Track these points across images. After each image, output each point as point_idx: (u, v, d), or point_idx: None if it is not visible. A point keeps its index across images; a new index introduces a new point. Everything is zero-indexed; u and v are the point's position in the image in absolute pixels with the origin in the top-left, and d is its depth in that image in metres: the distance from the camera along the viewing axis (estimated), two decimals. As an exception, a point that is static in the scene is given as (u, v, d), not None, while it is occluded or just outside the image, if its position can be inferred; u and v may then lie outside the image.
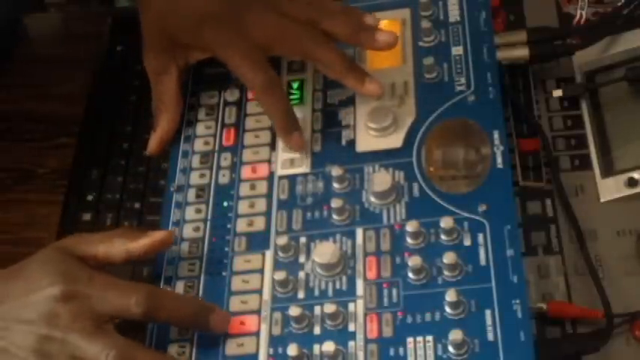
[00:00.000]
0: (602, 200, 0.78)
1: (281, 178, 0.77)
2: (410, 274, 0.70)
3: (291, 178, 0.77)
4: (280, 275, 0.71)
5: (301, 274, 0.72)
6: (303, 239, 0.73)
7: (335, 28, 0.78)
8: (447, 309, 0.67)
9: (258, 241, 0.74)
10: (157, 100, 0.82)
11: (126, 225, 0.74)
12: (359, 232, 0.73)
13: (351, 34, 0.78)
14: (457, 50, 0.81)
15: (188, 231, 0.76)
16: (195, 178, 0.79)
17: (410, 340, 0.67)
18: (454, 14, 0.83)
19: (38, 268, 0.68)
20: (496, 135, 0.75)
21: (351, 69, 0.78)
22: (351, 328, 0.69)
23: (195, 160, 0.80)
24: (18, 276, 0.68)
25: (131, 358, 0.65)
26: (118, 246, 0.70)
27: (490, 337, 0.66)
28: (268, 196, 0.77)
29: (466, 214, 0.72)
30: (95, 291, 0.66)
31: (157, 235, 0.72)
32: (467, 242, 0.70)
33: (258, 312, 0.71)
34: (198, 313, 0.69)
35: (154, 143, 0.82)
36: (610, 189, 0.78)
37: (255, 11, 0.78)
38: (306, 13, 0.78)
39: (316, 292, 0.71)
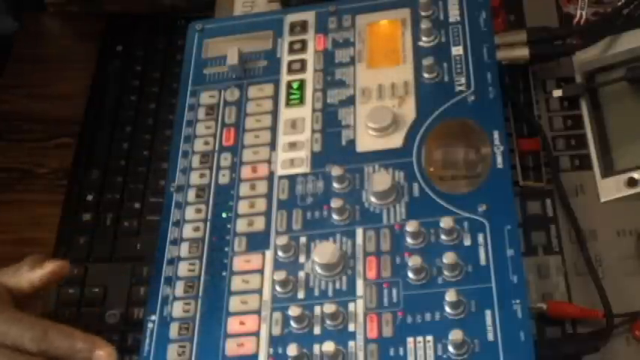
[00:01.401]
0: (602, 200, 0.78)
1: (281, 178, 0.77)
2: (410, 274, 0.70)
3: (291, 178, 0.77)
4: (280, 275, 0.71)
5: (301, 274, 0.72)
6: (303, 239, 0.73)
7: None
8: (447, 309, 0.67)
9: (258, 241, 0.74)
10: None
11: (34, 255, 0.74)
12: (359, 232, 0.73)
13: None
14: (457, 50, 0.81)
15: (188, 231, 0.76)
16: (195, 178, 0.79)
17: (410, 340, 0.67)
18: (454, 14, 0.83)
19: None
20: (496, 135, 0.75)
21: None
22: (351, 328, 0.69)
23: (195, 160, 0.80)
24: None
25: None
26: (25, 278, 0.71)
27: (490, 337, 0.66)
28: (268, 196, 0.77)
29: (466, 214, 0.72)
30: (2, 327, 0.68)
31: (47, 267, 0.72)
32: (467, 242, 0.70)
33: (258, 312, 0.71)
34: (83, 350, 0.69)
35: None
36: (610, 189, 0.78)
37: None
38: None
39: (316, 292, 0.71)
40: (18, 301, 0.71)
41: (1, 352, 0.68)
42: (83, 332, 0.71)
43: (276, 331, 0.69)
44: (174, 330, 0.71)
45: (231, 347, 0.70)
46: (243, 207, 0.76)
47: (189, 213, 0.77)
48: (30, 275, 0.71)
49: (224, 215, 0.76)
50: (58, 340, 0.69)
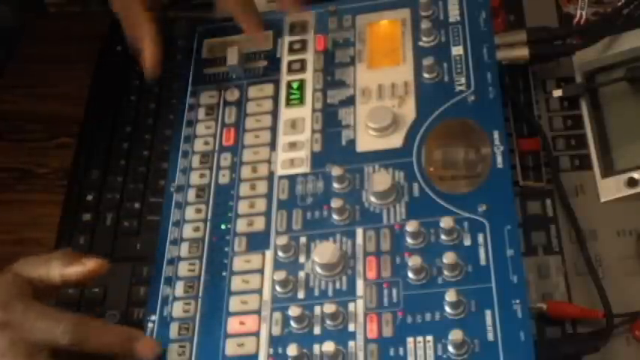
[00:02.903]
0: (602, 200, 0.78)
1: (281, 178, 0.77)
2: (410, 274, 0.70)
3: (291, 178, 0.77)
4: (280, 275, 0.71)
5: (301, 274, 0.72)
6: (303, 239, 0.73)
7: None
8: (447, 309, 0.67)
9: (258, 241, 0.74)
10: (131, 28, 0.81)
11: (64, 250, 0.74)
12: (359, 232, 0.73)
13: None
14: (457, 50, 0.81)
15: (188, 231, 0.76)
16: (195, 178, 0.79)
17: (410, 340, 0.67)
18: (454, 14, 0.83)
19: None
20: (496, 135, 0.75)
21: (244, 10, 0.82)
22: (351, 328, 0.69)
23: (195, 160, 0.80)
24: None
25: None
26: (55, 270, 0.71)
27: (490, 337, 0.66)
28: (268, 196, 0.77)
29: (466, 214, 0.72)
30: (28, 321, 0.68)
31: (89, 265, 0.71)
32: (467, 242, 0.70)
33: (258, 312, 0.71)
34: (123, 342, 0.69)
35: (149, 63, 0.81)
36: (610, 189, 0.78)
37: None
38: None
39: (316, 292, 0.71)
40: (38, 292, 0.70)
41: (30, 351, 0.67)
42: (116, 324, 0.70)
43: (276, 331, 0.70)
44: (174, 330, 0.71)
45: (231, 347, 0.70)
46: (243, 207, 0.76)
47: (189, 213, 0.77)
48: (64, 270, 0.71)
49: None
50: (93, 330, 0.69)
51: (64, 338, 0.67)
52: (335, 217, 0.74)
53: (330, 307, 0.68)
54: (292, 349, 0.67)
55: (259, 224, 0.75)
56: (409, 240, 0.71)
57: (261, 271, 0.73)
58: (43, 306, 0.70)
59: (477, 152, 0.75)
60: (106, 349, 0.69)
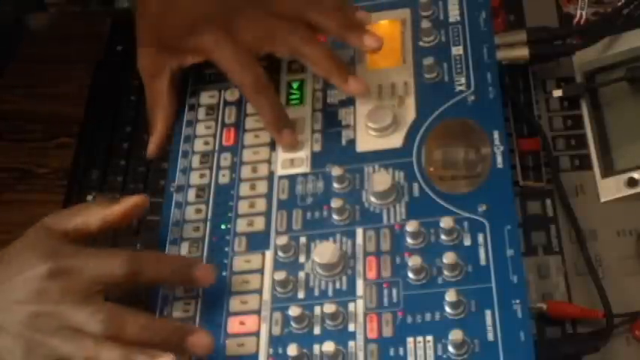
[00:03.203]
0: (602, 200, 0.78)
1: (281, 178, 0.77)
2: (410, 274, 0.70)
3: (291, 178, 0.77)
4: (280, 275, 0.71)
5: (301, 274, 0.72)
6: (303, 239, 0.73)
7: (323, 22, 0.79)
8: (447, 309, 0.67)
9: (258, 241, 0.74)
10: (151, 102, 0.83)
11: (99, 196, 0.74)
12: (359, 232, 0.73)
13: (338, 30, 0.79)
14: (457, 50, 0.81)
15: (188, 231, 0.76)
16: (195, 178, 0.79)
17: (410, 340, 0.67)
18: (454, 14, 0.83)
19: (25, 249, 0.69)
20: (496, 135, 0.75)
21: (335, 67, 0.78)
22: (351, 328, 0.69)
23: (195, 160, 0.80)
24: (7, 259, 0.69)
25: (120, 321, 0.66)
26: (94, 215, 0.71)
27: (490, 337, 0.66)
28: (268, 196, 0.77)
29: (466, 214, 0.72)
30: (79, 263, 0.67)
31: (130, 201, 0.71)
32: (467, 242, 0.70)
33: (258, 312, 0.71)
34: (180, 269, 0.69)
35: (152, 146, 0.83)
36: (610, 189, 0.78)
37: (244, 12, 0.79)
38: (296, 8, 0.79)
39: (316, 292, 0.71)
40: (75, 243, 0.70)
41: (86, 294, 0.66)
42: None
43: (276, 331, 0.69)
44: (174, 330, 0.71)
45: (231, 347, 0.70)
46: (243, 207, 0.76)
47: (189, 213, 0.77)
48: (104, 212, 0.70)
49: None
50: (147, 261, 0.68)
51: (119, 272, 0.66)
52: (335, 217, 0.74)
53: (330, 307, 0.68)
54: (292, 349, 0.67)
55: (259, 224, 0.75)
56: (409, 240, 0.71)
57: (261, 271, 0.73)
58: (90, 248, 0.69)
59: (477, 152, 0.75)
60: (162, 278, 0.69)
